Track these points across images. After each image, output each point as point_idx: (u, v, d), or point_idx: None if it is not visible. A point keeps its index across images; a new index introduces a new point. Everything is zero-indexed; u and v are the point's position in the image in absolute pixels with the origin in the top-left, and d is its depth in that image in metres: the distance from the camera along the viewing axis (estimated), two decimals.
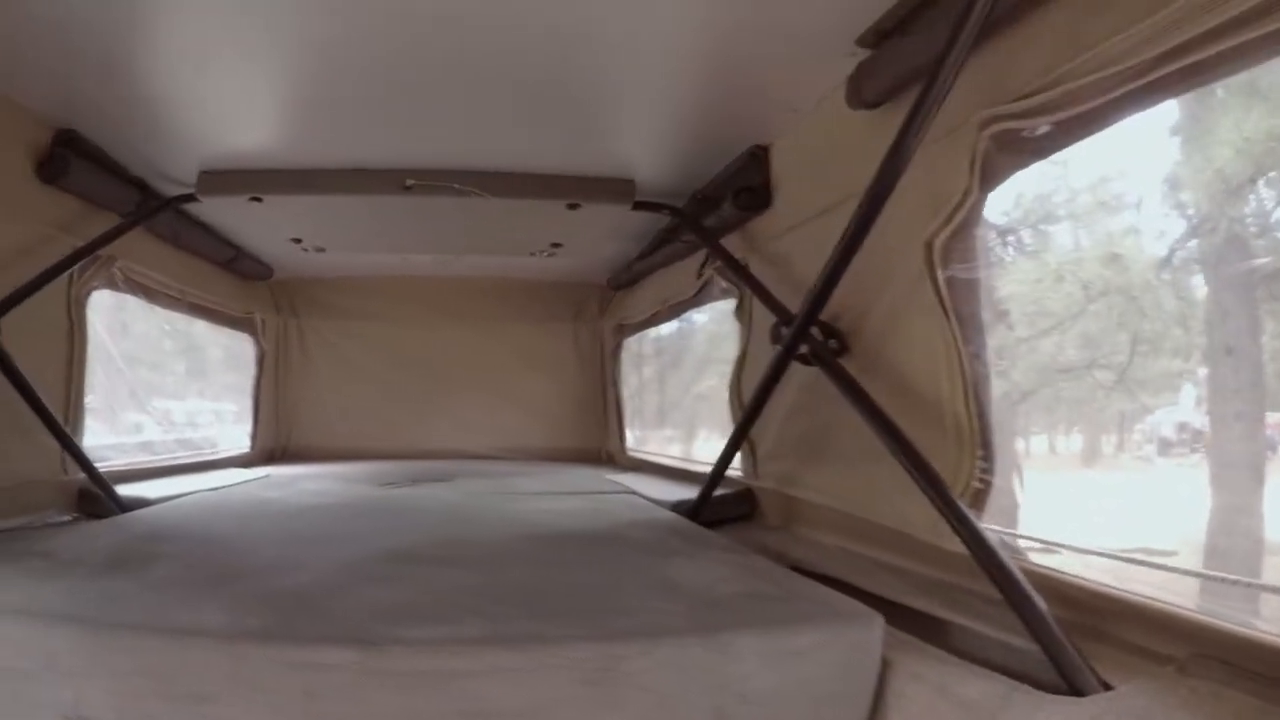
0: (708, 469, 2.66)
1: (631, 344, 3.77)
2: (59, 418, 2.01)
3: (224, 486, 2.69)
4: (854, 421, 1.40)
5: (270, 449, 3.76)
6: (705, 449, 3.20)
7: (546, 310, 3.98)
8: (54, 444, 2.05)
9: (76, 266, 2.13)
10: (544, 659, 1.01)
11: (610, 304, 3.92)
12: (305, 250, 3.06)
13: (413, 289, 3.91)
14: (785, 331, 1.64)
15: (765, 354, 1.97)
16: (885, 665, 1.07)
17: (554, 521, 1.97)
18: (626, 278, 3.49)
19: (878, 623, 1.08)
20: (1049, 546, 1.18)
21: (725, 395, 2.31)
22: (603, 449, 3.98)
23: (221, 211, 2.66)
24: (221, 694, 1.03)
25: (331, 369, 3.92)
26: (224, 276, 3.26)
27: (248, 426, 3.66)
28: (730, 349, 2.34)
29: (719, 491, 2.06)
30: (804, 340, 1.56)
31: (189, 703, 1.04)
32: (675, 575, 1.38)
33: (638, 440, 3.73)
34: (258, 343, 3.66)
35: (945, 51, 1.07)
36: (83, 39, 1.58)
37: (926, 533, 1.32)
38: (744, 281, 2.02)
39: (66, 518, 2.10)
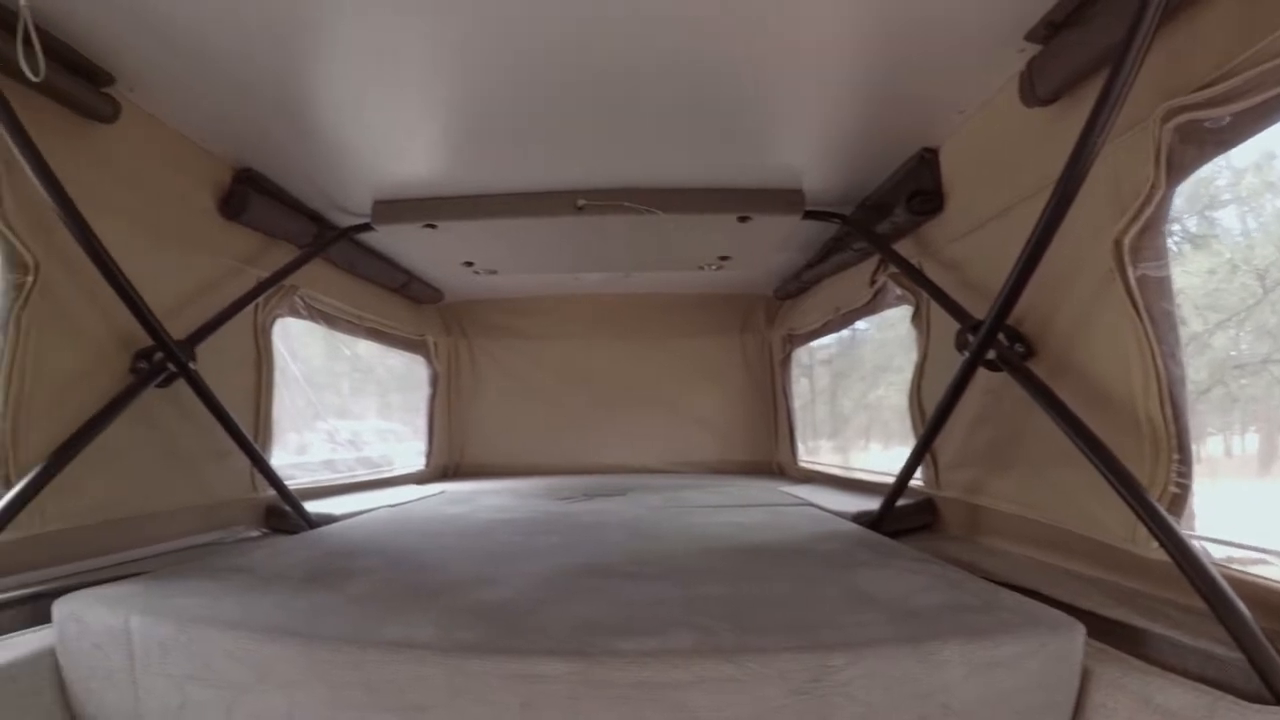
0: (880, 479, 2.67)
1: (800, 355, 3.81)
2: (250, 439, 2.17)
3: (404, 503, 2.88)
4: (1043, 427, 1.42)
5: (444, 466, 4.08)
6: (873, 459, 3.18)
7: (713, 323, 4.09)
8: (245, 464, 2.23)
9: (261, 296, 2.33)
10: (755, 669, 1.03)
11: (777, 314, 3.98)
12: (477, 273, 3.28)
13: (580, 307, 4.14)
14: (971, 338, 1.65)
15: (945, 360, 2.01)
16: (1085, 675, 1.07)
17: (738, 534, 2.02)
18: (794, 287, 3.54)
19: (1079, 632, 1.07)
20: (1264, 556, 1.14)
21: (892, 404, 2.30)
22: (773, 460, 4.04)
23: (394, 239, 2.83)
24: (438, 705, 1.08)
25: (502, 387, 4.20)
26: (398, 301, 3.57)
27: (420, 444, 3.96)
28: (896, 355, 2.32)
29: (899, 502, 2.07)
30: (991, 345, 1.58)
31: (404, 713, 1.09)
32: (868, 587, 1.39)
33: (809, 451, 3.76)
34: (431, 364, 3.99)
35: (1128, 41, 1.08)
36: (257, 84, 1.74)
37: (1122, 539, 1.31)
38: (922, 287, 2.04)
39: (255, 533, 2.27)
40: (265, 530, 2.32)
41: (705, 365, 4.12)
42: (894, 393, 2.94)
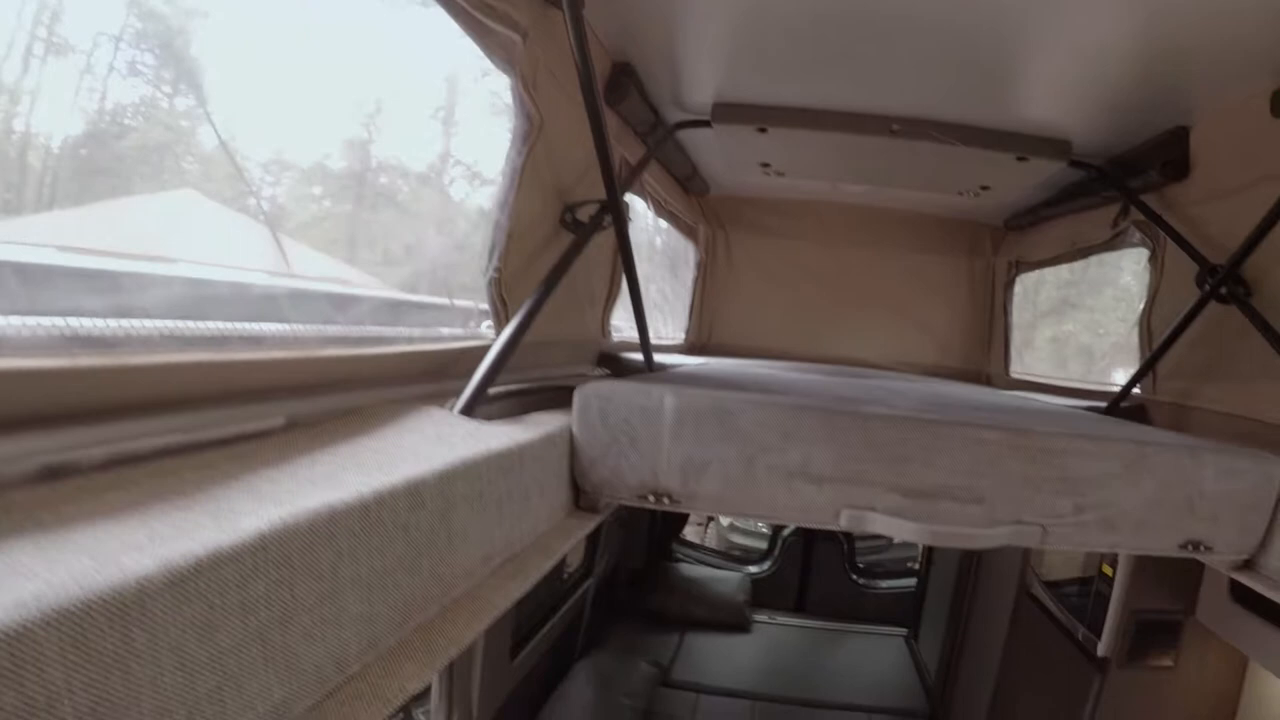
0: (1087, 387, 3.37)
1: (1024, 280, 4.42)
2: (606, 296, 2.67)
3: (700, 363, 3.42)
4: (1252, 348, 2.12)
5: (693, 342, 4.81)
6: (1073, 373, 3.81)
7: (945, 243, 4.66)
8: (599, 312, 2.74)
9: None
10: (1106, 448, 1.58)
11: (1003, 242, 4.56)
12: (768, 174, 3.73)
13: (829, 213, 4.68)
14: (1210, 279, 2.33)
15: (1172, 295, 2.68)
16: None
17: (1005, 404, 2.56)
18: (1027, 220, 4.10)
19: (1278, 463, 1.64)
20: None
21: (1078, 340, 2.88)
22: (982, 371, 4.69)
23: (706, 136, 3.17)
24: (916, 457, 1.55)
25: (750, 277, 4.81)
26: (679, 190, 4.17)
27: (675, 320, 4.65)
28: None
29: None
30: (1225, 284, 2.26)
31: (892, 462, 1.54)
32: (1133, 433, 1.85)
33: (1020, 363, 4.43)
34: (699, 250, 4.71)
35: None
36: None
37: None
38: (1170, 236, 2.61)
39: (601, 372, 2.72)
40: (603, 371, 2.77)
41: (933, 280, 4.73)
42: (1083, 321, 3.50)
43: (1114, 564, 3.03)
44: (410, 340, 1.65)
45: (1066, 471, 1.58)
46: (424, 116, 2.36)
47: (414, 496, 0.98)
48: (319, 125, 1.90)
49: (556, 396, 1.93)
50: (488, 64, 1.85)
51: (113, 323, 0.98)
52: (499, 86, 1.96)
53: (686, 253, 4.77)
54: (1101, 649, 2.99)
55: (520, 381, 1.93)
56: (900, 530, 1.58)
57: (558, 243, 2.15)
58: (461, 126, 2.41)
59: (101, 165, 1.49)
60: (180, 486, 0.84)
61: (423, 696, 3.29)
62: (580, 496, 1.67)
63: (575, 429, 1.63)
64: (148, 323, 1.03)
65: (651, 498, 1.61)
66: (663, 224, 4.27)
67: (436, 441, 1.20)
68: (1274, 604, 1.71)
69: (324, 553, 0.82)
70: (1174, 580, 2.86)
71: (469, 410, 1.48)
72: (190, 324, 1.09)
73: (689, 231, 4.60)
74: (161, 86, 1.54)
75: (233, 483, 0.88)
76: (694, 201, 4.58)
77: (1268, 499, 1.65)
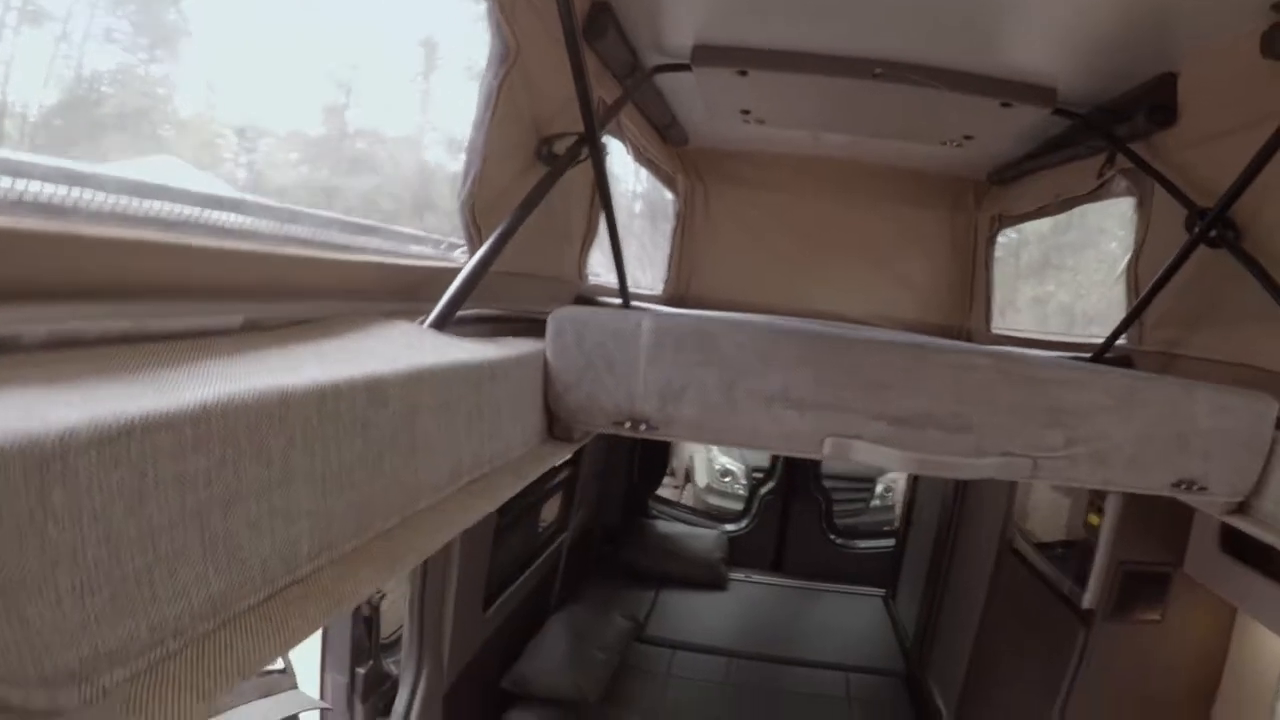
0: (1070, 340, 3.32)
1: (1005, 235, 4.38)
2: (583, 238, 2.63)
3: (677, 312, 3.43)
4: (1242, 291, 2.09)
5: (671, 294, 4.74)
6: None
7: (927, 197, 4.60)
8: (576, 251, 2.72)
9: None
10: (1098, 378, 1.58)
11: (986, 196, 4.49)
12: (748, 122, 3.65)
13: (809, 165, 4.57)
14: (1199, 221, 2.28)
15: (1161, 244, 2.62)
16: (1274, 438, 1.60)
17: (996, 354, 2.60)
18: (1011, 174, 4.04)
19: (1275, 404, 1.61)
20: None
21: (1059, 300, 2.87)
22: (963, 326, 4.64)
23: (686, 83, 3.08)
24: (896, 383, 1.52)
25: (728, 229, 4.72)
26: (658, 139, 4.06)
27: (654, 271, 4.63)
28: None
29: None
30: (1214, 227, 2.23)
31: (871, 389, 1.52)
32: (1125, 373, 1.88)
33: (1002, 318, 4.42)
34: (678, 200, 4.63)
35: None
36: None
37: None
38: (1159, 182, 2.56)
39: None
40: None
41: (914, 234, 4.67)
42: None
43: (1101, 514, 3.02)
44: (380, 253, 1.60)
45: (1057, 402, 1.55)
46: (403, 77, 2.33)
47: (375, 393, 0.93)
48: (296, 89, 1.88)
49: (531, 328, 1.86)
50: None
51: (63, 190, 0.91)
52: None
53: (666, 205, 4.69)
54: (1087, 601, 2.98)
55: (494, 308, 1.89)
56: (886, 458, 1.57)
57: (534, 174, 2.09)
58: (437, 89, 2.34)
59: (77, 133, 1.47)
60: (125, 366, 0.78)
61: (393, 646, 3.28)
62: (555, 425, 1.62)
63: (549, 354, 1.58)
64: (99, 195, 0.95)
65: (628, 424, 1.57)
66: (643, 181, 4.19)
67: (403, 348, 1.15)
68: (1264, 554, 1.69)
69: (274, 437, 0.76)
70: (1162, 531, 2.86)
71: (439, 327, 1.42)
72: (148, 203, 1.02)
73: (668, 181, 4.53)
74: (137, 53, 1.52)
75: (182, 365, 0.82)
76: (672, 152, 4.48)
77: (1262, 439, 1.62)
